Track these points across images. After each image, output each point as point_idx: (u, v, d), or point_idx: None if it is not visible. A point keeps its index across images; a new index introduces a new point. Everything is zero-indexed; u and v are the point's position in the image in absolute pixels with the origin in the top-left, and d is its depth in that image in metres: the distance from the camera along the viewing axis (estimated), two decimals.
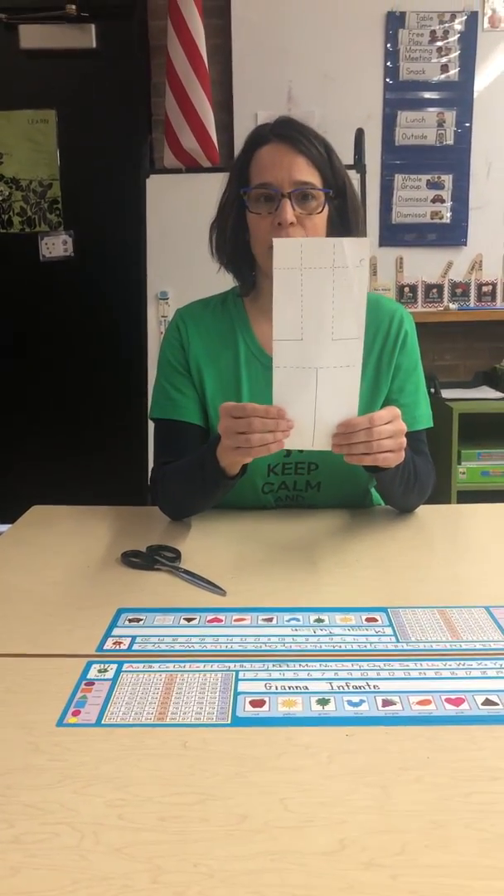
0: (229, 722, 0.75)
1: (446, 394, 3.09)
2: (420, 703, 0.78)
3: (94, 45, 3.15)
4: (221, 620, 0.97)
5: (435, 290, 3.30)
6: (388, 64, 3.12)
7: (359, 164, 2.76)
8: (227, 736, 0.73)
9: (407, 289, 3.29)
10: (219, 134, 2.84)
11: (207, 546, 1.23)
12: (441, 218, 3.23)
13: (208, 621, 0.97)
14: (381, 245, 3.24)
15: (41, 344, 3.38)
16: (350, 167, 2.76)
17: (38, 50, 3.15)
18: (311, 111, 3.10)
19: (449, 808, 0.62)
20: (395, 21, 3.09)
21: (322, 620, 0.97)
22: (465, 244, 3.26)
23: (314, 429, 1.11)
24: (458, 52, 3.12)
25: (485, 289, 3.31)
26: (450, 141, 3.18)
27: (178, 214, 2.61)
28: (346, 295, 1.05)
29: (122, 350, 3.18)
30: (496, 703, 0.77)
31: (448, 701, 0.78)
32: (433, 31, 3.10)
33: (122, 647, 0.91)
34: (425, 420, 1.39)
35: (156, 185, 2.76)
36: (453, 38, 3.11)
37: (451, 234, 3.25)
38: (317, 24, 3.07)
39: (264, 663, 0.86)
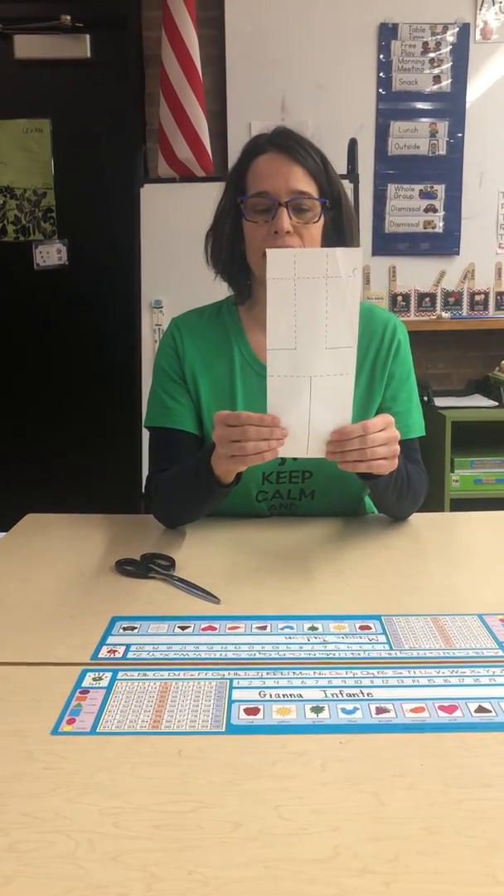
0: (224, 730, 0.75)
1: (439, 402, 3.10)
2: (413, 710, 0.78)
3: (89, 55, 3.17)
4: (216, 629, 0.97)
5: (428, 299, 3.32)
6: (381, 74, 3.15)
7: (352, 174, 2.77)
8: (222, 743, 0.73)
9: (400, 298, 3.31)
10: (213, 143, 2.85)
11: (202, 554, 1.23)
12: (434, 227, 3.25)
13: (202, 629, 0.97)
14: (374, 254, 3.25)
15: (35, 352, 3.38)
16: (343, 177, 2.76)
17: (32, 60, 3.16)
18: (304, 121, 3.11)
19: (442, 814, 0.62)
20: (387, 32, 3.11)
21: (316, 628, 0.97)
22: (457, 253, 3.28)
23: (308, 437, 1.11)
24: (451, 63, 3.14)
25: (477, 298, 3.32)
26: (442, 151, 3.20)
27: (172, 223, 2.62)
28: (340, 304, 1.06)
29: (116, 358, 3.18)
30: (489, 711, 0.78)
31: (441, 708, 0.78)
32: (426, 43, 3.12)
33: (117, 655, 0.91)
34: (418, 429, 1.40)
35: (150, 194, 2.77)
36: (445, 49, 3.13)
37: (444, 243, 3.27)
38: (310, 34, 3.09)
39: (258, 671, 0.86)
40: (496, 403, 3.11)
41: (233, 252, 1.33)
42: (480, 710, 0.78)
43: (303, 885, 0.55)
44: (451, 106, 3.17)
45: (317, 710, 0.78)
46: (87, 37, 3.15)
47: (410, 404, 1.40)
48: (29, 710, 0.79)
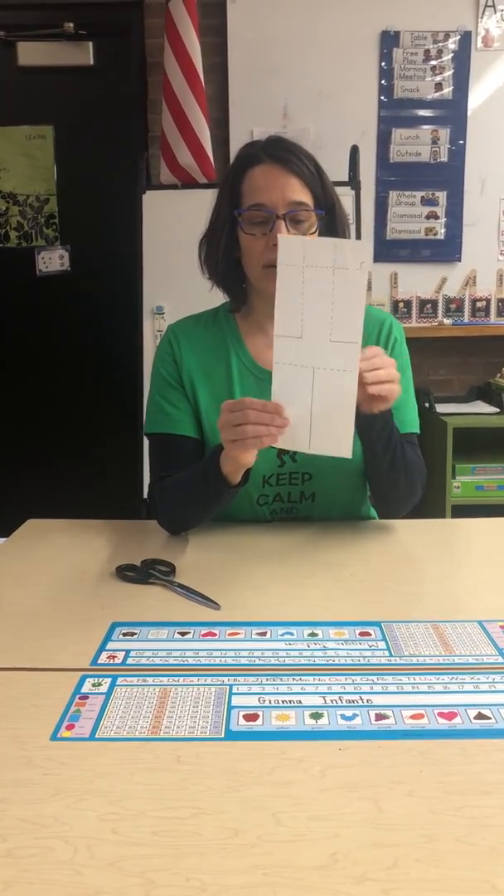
0: (223, 736, 0.75)
1: (441, 408, 3.10)
2: (413, 717, 0.78)
3: (92, 62, 3.18)
4: (215, 634, 0.97)
5: (429, 306, 3.32)
6: (383, 82, 3.15)
7: (353, 181, 2.78)
8: (221, 750, 0.73)
9: (401, 304, 3.31)
10: (214, 150, 2.86)
11: (202, 560, 1.23)
12: (435, 234, 3.26)
13: (202, 635, 0.97)
14: (375, 261, 3.26)
15: (37, 358, 3.39)
16: (345, 184, 2.78)
17: (35, 67, 3.18)
18: (305, 128, 3.13)
19: (441, 821, 0.62)
20: (389, 40, 3.12)
21: (316, 634, 0.97)
22: (459, 260, 3.28)
23: (310, 431, 1.11)
24: (452, 70, 3.15)
25: (479, 304, 3.33)
26: (444, 158, 3.21)
27: (174, 230, 2.62)
28: (345, 297, 1.06)
29: (117, 364, 3.19)
30: (489, 718, 0.78)
31: (441, 715, 0.78)
32: (427, 50, 3.13)
33: (117, 660, 0.91)
34: (414, 425, 1.41)
35: (152, 201, 2.78)
36: (447, 57, 3.14)
37: (446, 249, 3.27)
38: (312, 42, 3.11)
39: (258, 677, 0.86)
40: (497, 410, 3.11)
41: (229, 262, 1.33)
42: (480, 716, 0.78)
43: (301, 892, 0.55)
44: (453, 113, 3.18)
45: (316, 716, 0.78)
46: (90, 44, 3.17)
47: (407, 399, 1.41)
48: (28, 715, 0.79)
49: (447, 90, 3.16)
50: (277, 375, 1.10)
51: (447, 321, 3.32)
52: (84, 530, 1.38)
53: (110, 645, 0.95)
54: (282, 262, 1.06)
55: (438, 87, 3.16)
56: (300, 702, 0.81)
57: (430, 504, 3.07)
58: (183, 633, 0.98)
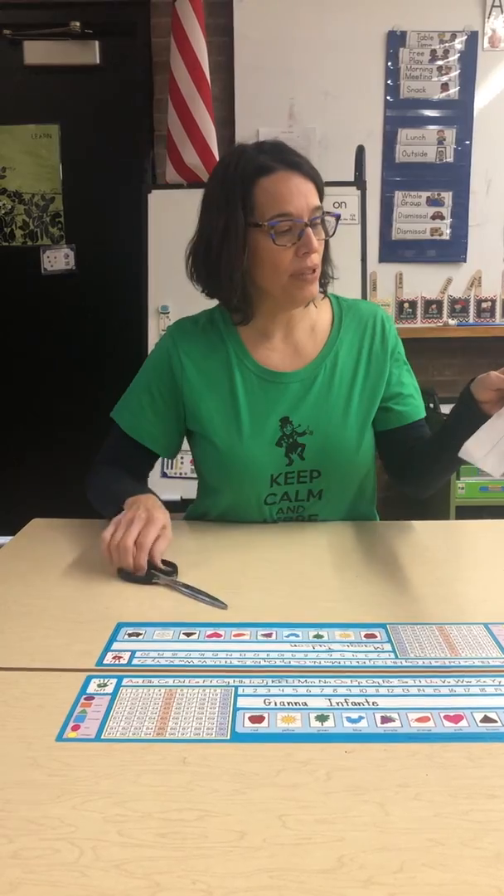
0: (228, 738, 0.75)
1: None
2: (419, 720, 0.78)
3: (98, 61, 3.18)
4: (221, 635, 0.97)
5: (434, 306, 3.31)
6: (389, 82, 3.15)
7: (359, 181, 2.78)
8: (227, 752, 0.73)
9: (406, 304, 3.31)
10: (220, 150, 2.85)
11: (207, 560, 1.23)
12: (441, 234, 3.25)
13: (208, 636, 0.97)
14: (380, 261, 3.25)
15: (42, 356, 3.39)
16: (350, 183, 2.78)
17: (42, 66, 3.18)
18: (311, 128, 3.12)
19: (447, 825, 0.62)
20: (395, 40, 3.11)
21: (321, 636, 0.97)
22: (464, 260, 3.27)
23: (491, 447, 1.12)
24: (459, 70, 3.14)
25: (484, 305, 3.32)
26: (450, 158, 3.20)
27: (180, 229, 2.62)
28: None
29: (122, 363, 3.17)
30: (495, 721, 0.77)
31: (447, 718, 0.78)
32: (434, 51, 3.13)
33: (122, 661, 0.91)
34: (423, 409, 1.44)
35: (157, 200, 2.78)
36: (453, 57, 3.13)
37: (451, 250, 3.27)
38: (318, 42, 3.10)
39: (263, 679, 0.86)
40: None
41: (245, 275, 1.28)
42: (486, 720, 0.78)
43: None
44: (459, 113, 3.17)
45: (322, 718, 0.78)
46: (97, 43, 3.17)
47: (414, 388, 1.44)
48: (34, 716, 0.79)
49: (453, 90, 3.16)
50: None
51: (452, 322, 3.32)
52: (89, 530, 1.38)
53: (116, 645, 0.95)
54: None
55: (444, 87, 3.15)
56: (306, 704, 0.81)
57: (434, 505, 3.07)
58: (188, 634, 0.98)
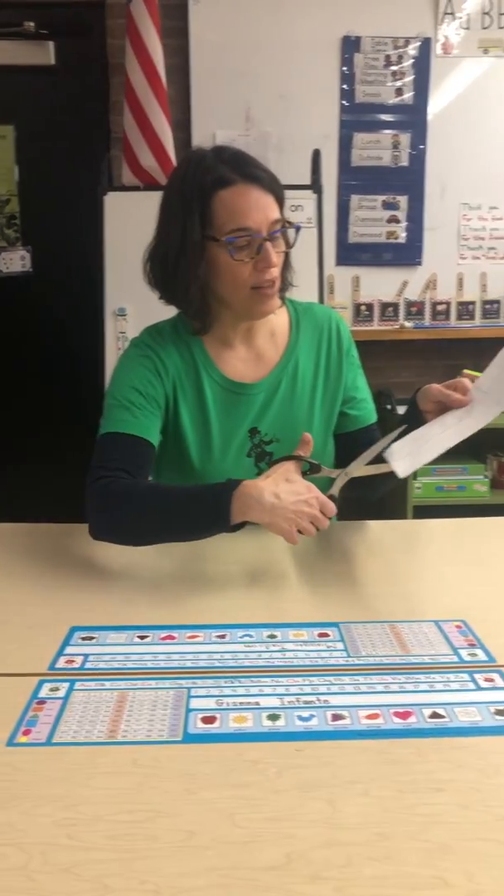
0: (180, 739, 0.76)
1: (402, 410, 3.13)
2: (369, 717, 0.79)
3: (53, 62, 3.16)
4: (175, 638, 0.97)
5: (391, 309, 3.35)
6: (345, 86, 3.18)
7: (315, 185, 2.80)
8: (178, 753, 0.73)
9: (363, 307, 3.34)
10: (177, 153, 2.85)
11: (162, 563, 1.23)
12: (396, 238, 3.29)
13: (161, 639, 0.97)
14: (337, 264, 3.28)
15: None
16: (307, 187, 2.80)
17: None
18: (268, 131, 3.14)
19: (394, 820, 0.63)
20: (350, 45, 3.14)
21: (275, 636, 0.98)
22: (419, 264, 3.32)
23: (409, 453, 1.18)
24: (413, 76, 3.18)
25: (439, 308, 3.37)
26: (405, 163, 3.24)
27: (136, 231, 2.60)
28: None
29: (79, 365, 3.16)
30: (443, 717, 0.79)
31: (396, 715, 0.79)
32: (388, 56, 3.16)
33: (75, 665, 0.90)
34: (375, 414, 1.47)
35: (114, 202, 2.76)
36: (407, 62, 3.17)
37: (407, 253, 3.31)
38: (274, 45, 3.12)
39: (216, 680, 0.87)
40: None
41: (203, 288, 1.27)
42: (435, 716, 0.79)
43: (255, 893, 0.55)
44: (414, 118, 3.21)
45: (273, 717, 0.79)
46: (51, 44, 3.14)
47: (367, 391, 1.46)
48: None
49: (407, 95, 3.20)
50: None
51: (408, 324, 3.36)
52: (45, 534, 1.37)
53: (69, 649, 0.94)
54: None
55: (399, 92, 3.19)
56: (258, 704, 0.82)
57: (392, 505, 3.10)
58: (142, 637, 0.98)
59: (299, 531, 1.10)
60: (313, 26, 3.12)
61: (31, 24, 3.08)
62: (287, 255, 1.33)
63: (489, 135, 3.24)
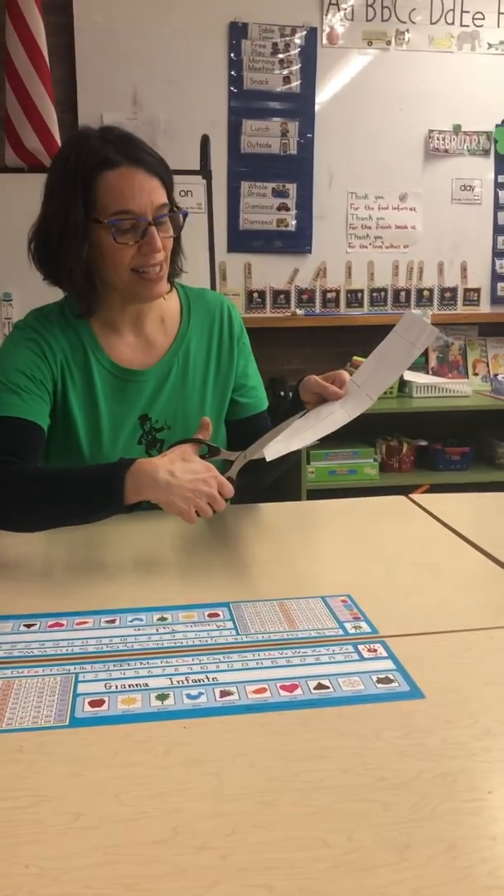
0: (67, 723, 0.75)
1: None
2: (256, 691, 0.80)
3: None
4: (63, 625, 0.96)
5: (282, 296, 3.39)
6: (233, 73, 3.19)
7: (205, 170, 2.80)
8: (65, 738, 0.72)
9: (256, 294, 3.37)
10: (63, 134, 2.79)
11: (51, 551, 1.21)
12: (286, 226, 3.33)
13: (49, 626, 0.96)
14: (229, 251, 3.30)
15: None
16: (196, 172, 2.80)
17: None
18: (156, 115, 3.11)
19: (279, 788, 0.64)
20: (237, 31, 3.15)
21: (165, 619, 0.98)
22: (309, 252, 3.37)
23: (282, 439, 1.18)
24: (300, 65, 3.23)
25: (329, 295, 3.43)
26: (293, 151, 3.29)
27: (21, 215, 2.54)
28: (395, 366, 1.21)
29: None
30: (328, 687, 0.81)
31: (282, 688, 0.81)
32: (275, 44, 3.19)
33: None
34: (265, 401, 1.49)
35: None
36: (294, 51, 3.21)
37: (297, 241, 3.36)
38: (161, 28, 3.09)
39: (105, 664, 0.86)
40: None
41: (87, 270, 1.25)
42: (319, 686, 0.81)
43: (140, 867, 0.56)
44: (301, 107, 3.26)
45: (162, 697, 0.79)
46: None
47: (258, 378, 1.48)
48: None
49: (295, 84, 3.24)
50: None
51: (300, 312, 3.41)
52: None
53: None
54: (399, 333, 1.21)
55: (286, 80, 3.22)
56: (147, 685, 0.82)
57: (286, 489, 3.15)
58: (29, 626, 0.96)
59: (196, 512, 1.10)
60: (200, 10, 3.12)
61: None
62: (177, 240, 1.32)
63: (375, 125, 3.32)
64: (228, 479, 1.15)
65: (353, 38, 3.25)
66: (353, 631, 0.94)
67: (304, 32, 3.19)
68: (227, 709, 0.77)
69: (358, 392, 1.22)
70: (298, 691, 0.80)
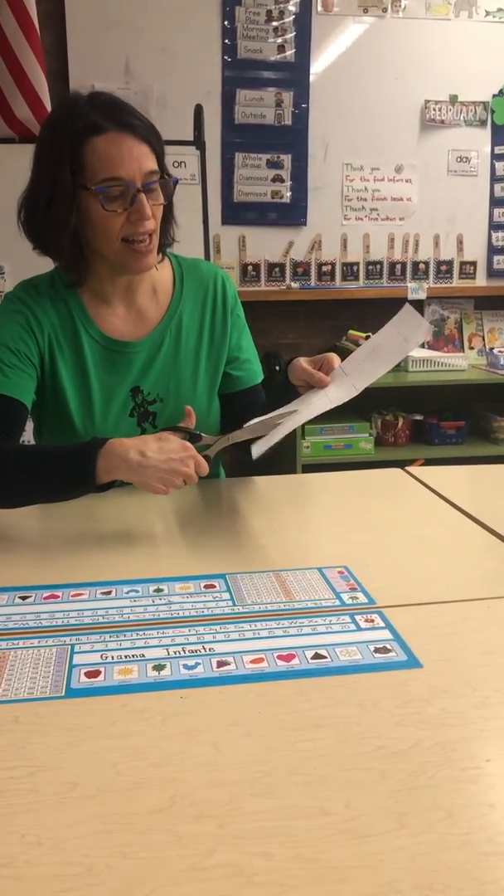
0: (63, 694, 0.74)
1: None
2: (253, 661, 0.80)
3: None
4: (58, 597, 0.96)
5: (277, 269, 3.36)
6: (227, 41, 3.13)
7: (198, 141, 2.76)
8: (61, 708, 0.72)
9: (250, 267, 3.33)
10: (54, 104, 2.74)
11: (44, 523, 1.20)
12: (281, 197, 3.29)
13: (44, 598, 0.95)
14: (223, 223, 3.26)
15: None
16: (189, 143, 2.76)
17: None
18: (149, 85, 3.06)
19: (276, 758, 0.64)
20: None
21: (161, 590, 0.97)
22: (304, 224, 3.34)
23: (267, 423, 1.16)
24: (294, 33, 3.17)
25: (324, 268, 3.40)
26: (288, 121, 3.24)
27: (11, 186, 2.51)
28: (386, 360, 1.19)
29: None
30: (325, 657, 0.81)
31: (280, 658, 0.81)
32: (269, 11, 3.13)
33: None
34: (260, 373, 1.47)
35: None
36: (289, 18, 3.15)
37: (292, 213, 3.32)
38: None
39: (101, 635, 0.86)
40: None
41: (75, 237, 1.23)
42: (317, 656, 0.81)
43: (138, 836, 0.55)
44: (296, 76, 3.21)
45: (158, 667, 0.79)
46: None
47: (251, 350, 1.46)
48: None
49: (289, 52, 3.18)
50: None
51: (295, 285, 3.38)
52: None
53: None
54: (392, 325, 1.19)
55: (281, 48, 3.17)
56: (143, 655, 0.81)
57: (281, 463, 3.14)
58: (24, 598, 0.95)
59: None
60: None
61: None
62: (169, 209, 1.30)
63: (370, 95, 3.27)
64: (206, 457, 1.15)
65: (348, 4, 3.19)
66: (350, 602, 0.94)
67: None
68: (224, 678, 0.77)
69: (345, 381, 1.20)
70: (296, 661, 0.80)
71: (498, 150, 3.45)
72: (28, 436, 1.43)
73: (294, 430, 1.19)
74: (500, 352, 3.42)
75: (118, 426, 1.33)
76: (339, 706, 0.72)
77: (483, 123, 3.41)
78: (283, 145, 3.25)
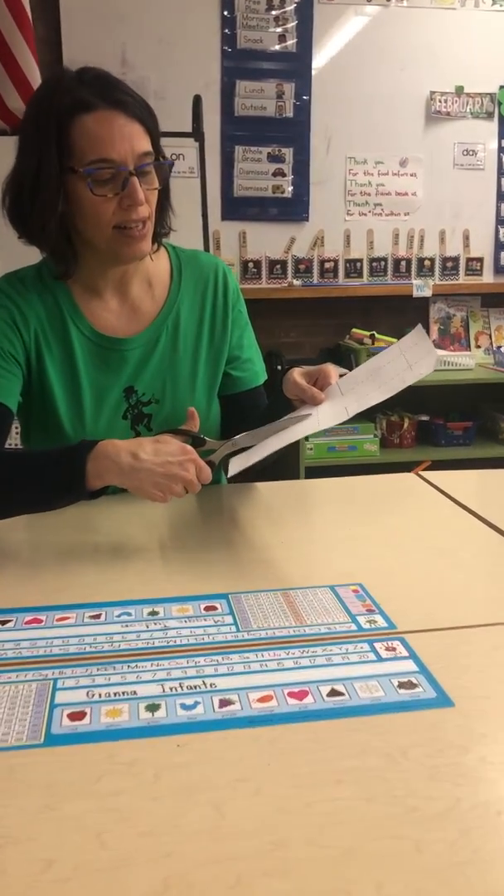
0: (42, 742, 0.64)
1: None
2: (261, 699, 0.70)
3: None
4: (41, 621, 0.86)
5: (279, 266, 3.27)
6: (226, 31, 3.04)
7: (197, 133, 2.66)
8: (39, 759, 0.62)
9: (251, 264, 3.24)
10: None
11: (30, 537, 1.10)
12: (283, 192, 3.20)
13: (26, 623, 0.85)
14: (223, 219, 3.17)
15: None
16: (188, 135, 2.66)
17: None
18: (146, 76, 2.97)
19: (290, 823, 0.54)
20: None
21: (157, 613, 0.87)
22: (306, 219, 3.24)
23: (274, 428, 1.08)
24: (296, 22, 3.07)
25: (327, 265, 3.31)
26: (289, 113, 3.14)
27: (4, 178, 2.42)
28: (386, 387, 1.09)
29: None
30: (342, 694, 0.71)
31: (291, 695, 0.71)
32: (270, 0, 3.03)
33: None
34: (263, 374, 1.37)
35: None
36: (290, 7, 3.06)
37: (293, 208, 3.22)
38: None
39: (87, 667, 0.76)
40: (347, 371, 3.11)
41: (62, 224, 1.13)
42: (333, 693, 0.71)
43: None
44: (298, 67, 3.11)
45: (152, 708, 0.69)
46: None
47: (253, 350, 1.36)
48: None
49: (291, 43, 3.09)
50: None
51: (297, 282, 3.29)
52: None
53: None
54: (399, 347, 1.13)
55: (282, 38, 3.08)
56: (135, 693, 0.71)
57: (284, 466, 3.04)
58: (3, 622, 0.85)
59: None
60: None
61: None
62: (164, 194, 1.20)
63: (374, 87, 3.18)
64: (209, 462, 1.05)
65: None
66: (367, 626, 0.84)
67: None
68: (227, 721, 0.67)
69: (338, 401, 1.10)
70: (309, 699, 0.70)
71: None
72: (17, 440, 1.34)
73: None
74: None
75: (110, 429, 1.23)
76: (362, 756, 0.62)
77: (490, 115, 3.32)
78: (284, 138, 3.15)
